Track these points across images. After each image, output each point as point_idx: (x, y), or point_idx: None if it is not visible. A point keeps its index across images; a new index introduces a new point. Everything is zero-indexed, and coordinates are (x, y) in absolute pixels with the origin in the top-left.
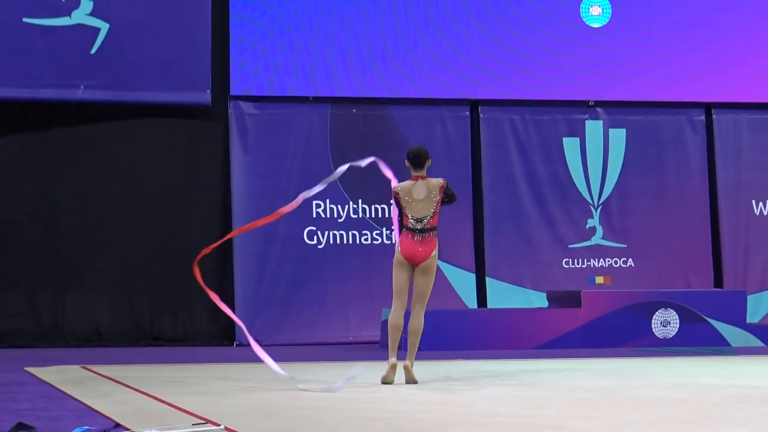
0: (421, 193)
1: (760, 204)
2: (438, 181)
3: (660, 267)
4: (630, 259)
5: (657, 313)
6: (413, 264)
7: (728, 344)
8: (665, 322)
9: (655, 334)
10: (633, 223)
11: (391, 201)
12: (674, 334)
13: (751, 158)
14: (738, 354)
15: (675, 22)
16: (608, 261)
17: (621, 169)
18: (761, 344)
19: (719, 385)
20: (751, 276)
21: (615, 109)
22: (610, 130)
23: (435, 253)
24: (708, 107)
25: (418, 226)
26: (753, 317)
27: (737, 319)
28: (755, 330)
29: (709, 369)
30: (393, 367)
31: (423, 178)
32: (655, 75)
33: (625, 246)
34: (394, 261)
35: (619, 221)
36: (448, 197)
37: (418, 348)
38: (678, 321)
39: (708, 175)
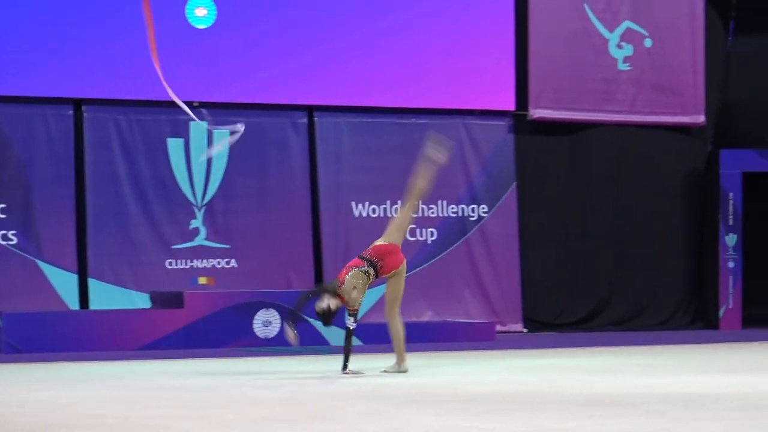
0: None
1: (360, 206)
2: None
3: (262, 267)
4: (233, 260)
5: (258, 313)
6: None
7: (328, 343)
8: (266, 322)
9: (257, 334)
10: (236, 224)
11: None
12: (275, 333)
13: (351, 161)
14: (337, 353)
15: (279, 26)
16: (211, 262)
17: (225, 171)
18: (359, 342)
19: (319, 384)
20: None
21: (219, 111)
22: (214, 131)
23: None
24: (310, 110)
25: None
26: None
27: (337, 318)
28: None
29: (310, 368)
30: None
31: None
32: (259, 77)
33: (228, 246)
34: None
35: (223, 222)
36: None
37: None
38: (279, 321)
39: (310, 177)
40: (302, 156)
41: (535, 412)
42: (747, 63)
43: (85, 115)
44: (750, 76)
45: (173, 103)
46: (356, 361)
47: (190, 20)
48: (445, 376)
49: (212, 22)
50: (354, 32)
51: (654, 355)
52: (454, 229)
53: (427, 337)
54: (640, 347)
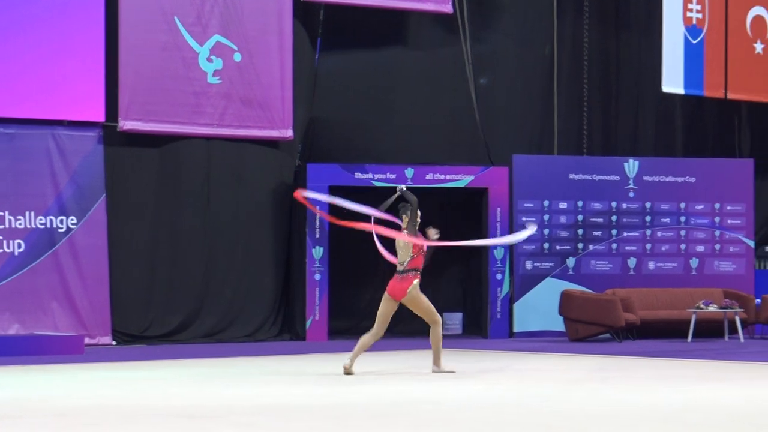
0: (401, 240)
1: None
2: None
3: None
4: None
5: None
6: (396, 299)
7: None
8: None
9: None
10: None
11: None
12: None
13: None
14: None
15: None
16: None
17: None
18: None
19: None
20: None
21: None
22: None
23: (411, 289)
24: None
25: (400, 268)
26: None
27: None
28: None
29: None
30: (345, 369)
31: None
32: None
33: None
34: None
35: None
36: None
37: None
38: None
39: None
40: None
41: (124, 426)
42: (332, 80)
43: None
44: (335, 92)
45: None
46: None
47: None
48: (33, 390)
49: None
50: None
51: (243, 366)
52: (41, 241)
53: (14, 350)
54: (229, 359)
